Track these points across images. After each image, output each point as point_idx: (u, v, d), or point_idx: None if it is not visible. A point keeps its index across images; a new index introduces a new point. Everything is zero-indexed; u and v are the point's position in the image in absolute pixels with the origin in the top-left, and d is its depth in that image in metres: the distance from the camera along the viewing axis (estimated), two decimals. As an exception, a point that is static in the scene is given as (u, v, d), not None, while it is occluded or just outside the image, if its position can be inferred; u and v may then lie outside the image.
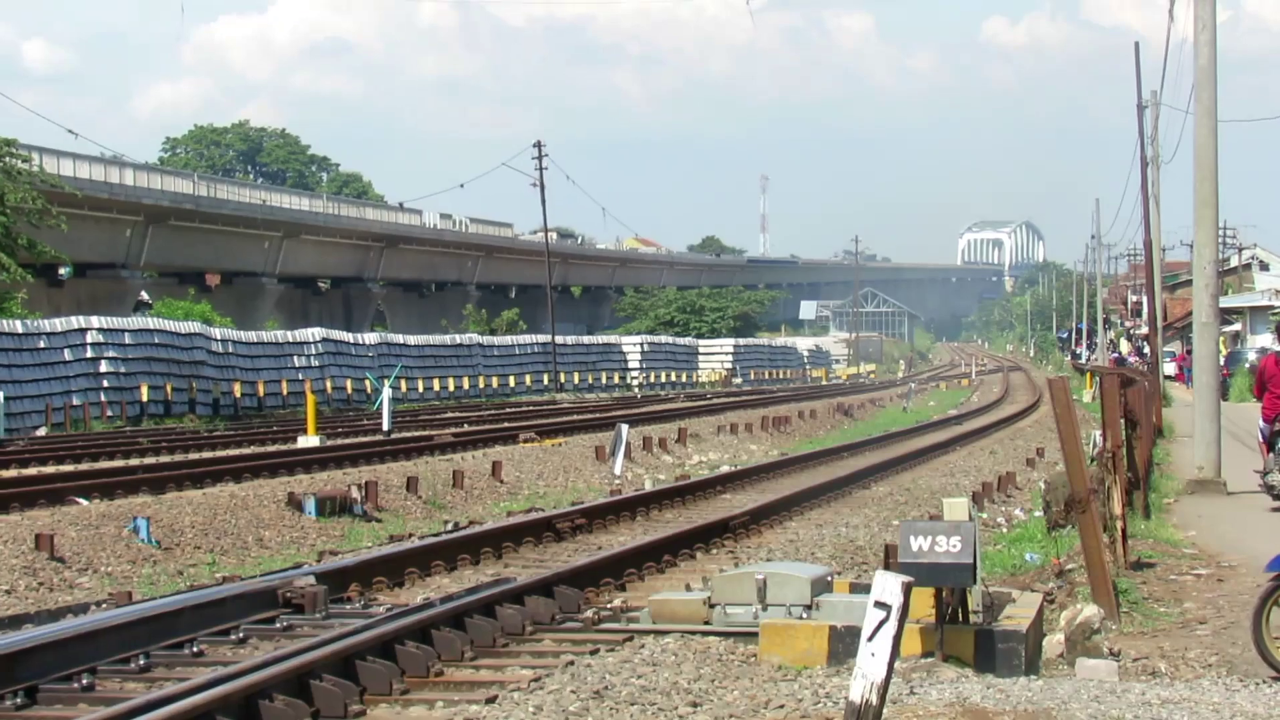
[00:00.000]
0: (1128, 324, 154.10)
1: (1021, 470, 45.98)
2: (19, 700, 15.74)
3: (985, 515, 31.99)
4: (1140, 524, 28.15)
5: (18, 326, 73.15)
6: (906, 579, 12.09)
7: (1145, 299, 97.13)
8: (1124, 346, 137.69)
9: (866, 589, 13.27)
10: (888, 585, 11.89)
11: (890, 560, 18.96)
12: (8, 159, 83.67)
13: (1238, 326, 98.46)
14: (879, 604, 11.76)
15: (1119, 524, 24.50)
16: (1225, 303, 73.67)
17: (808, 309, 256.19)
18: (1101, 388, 28.59)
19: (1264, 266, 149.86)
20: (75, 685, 16.40)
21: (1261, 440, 31.98)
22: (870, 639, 11.67)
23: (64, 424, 70.10)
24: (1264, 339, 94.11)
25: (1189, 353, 70.99)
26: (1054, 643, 17.67)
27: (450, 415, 78.04)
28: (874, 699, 11.47)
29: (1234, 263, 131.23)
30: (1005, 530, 30.17)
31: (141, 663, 17.56)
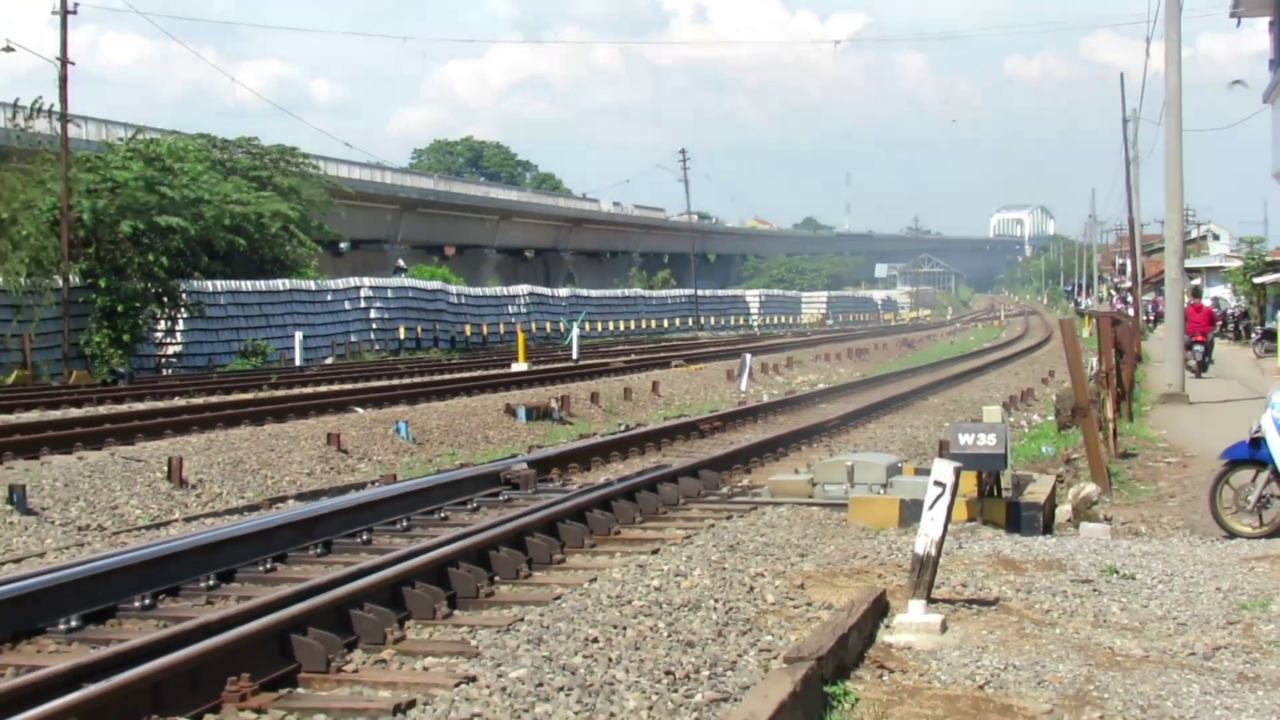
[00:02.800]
0: (1115, 280, 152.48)
1: (1038, 386, 45.63)
2: (318, 550, 15.89)
3: (1013, 419, 31.80)
4: (1126, 425, 28.02)
5: (311, 285, 73.75)
6: (956, 465, 12.08)
7: (1129, 261, 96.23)
8: (1113, 297, 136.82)
9: (927, 472, 13.27)
10: (942, 469, 11.88)
11: (944, 451, 18.88)
12: (302, 164, 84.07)
13: (1197, 281, 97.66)
14: (936, 483, 11.74)
15: (1111, 425, 24.46)
16: (1188, 264, 73.04)
17: (880, 270, 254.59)
18: (1097, 326, 28.49)
19: (1216, 237, 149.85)
20: (357, 540, 16.56)
21: (1186, 348, 38.98)
22: (930, 508, 11.65)
23: (345, 355, 70.68)
24: (1216, 290, 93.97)
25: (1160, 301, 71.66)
26: (1063, 511, 17.62)
27: (620, 348, 77.90)
28: (933, 551, 11.46)
29: (1194, 235, 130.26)
30: (1027, 430, 29.98)
31: (404, 524, 17.69)
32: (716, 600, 12.11)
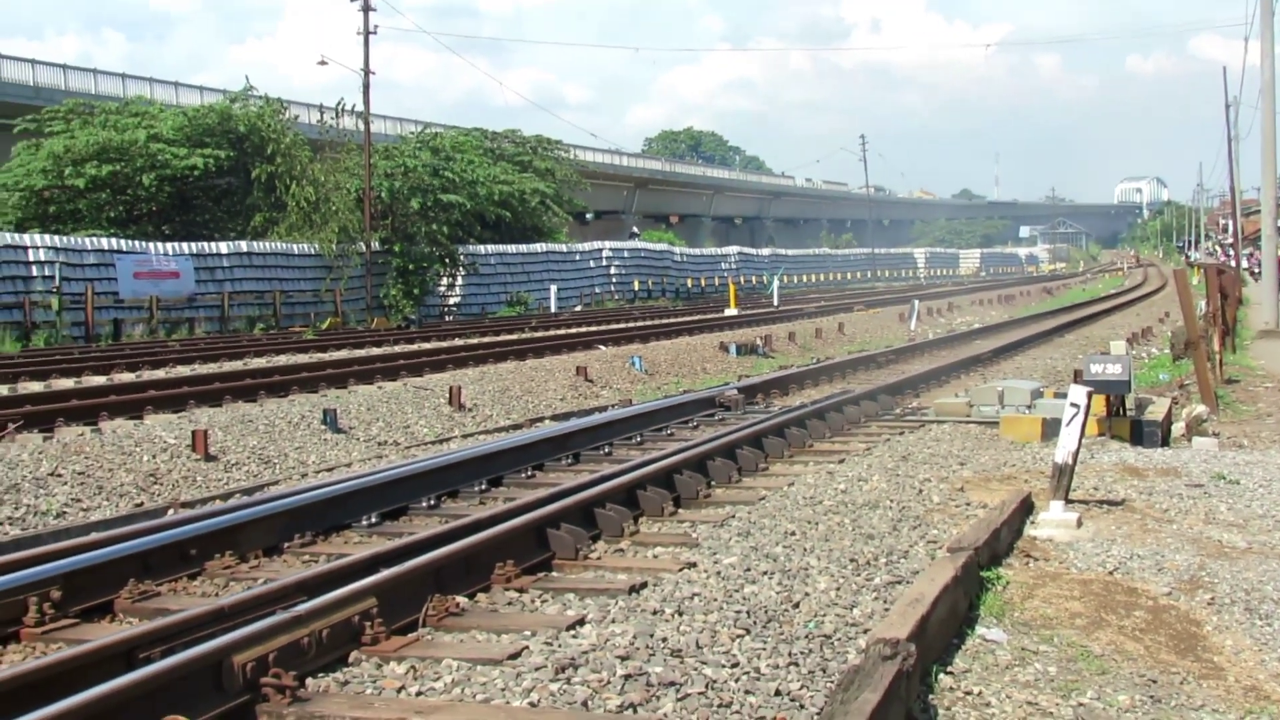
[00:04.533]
0: (1220, 237, 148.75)
1: (1155, 325, 44.68)
2: (569, 460, 15.93)
3: (1135, 351, 31.15)
4: (1230, 357, 27.33)
5: (563, 248, 74.33)
6: (1089, 389, 11.84)
7: (1231, 221, 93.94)
8: (1218, 251, 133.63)
9: (1064, 396, 13.03)
10: (1078, 393, 11.64)
11: (1078, 378, 18.49)
12: (555, 151, 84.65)
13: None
14: (1072, 404, 11.51)
15: (1217, 356, 23.85)
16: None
17: (1023, 231, 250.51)
18: (1205, 274, 27.80)
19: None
20: (600, 452, 16.57)
21: None
22: (1067, 425, 11.44)
23: (590, 303, 71.16)
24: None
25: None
26: (1178, 428, 17.18)
27: (812, 296, 77.61)
28: (1070, 460, 11.25)
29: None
30: (1147, 361, 29.35)
31: (638, 439, 17.70)
32: (891, 501, 11.99)
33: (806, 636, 7.69)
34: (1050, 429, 15.97)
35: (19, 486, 14.58)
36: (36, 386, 26.50)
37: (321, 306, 54.76)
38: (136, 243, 50.25)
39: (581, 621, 8.26)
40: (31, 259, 45.04)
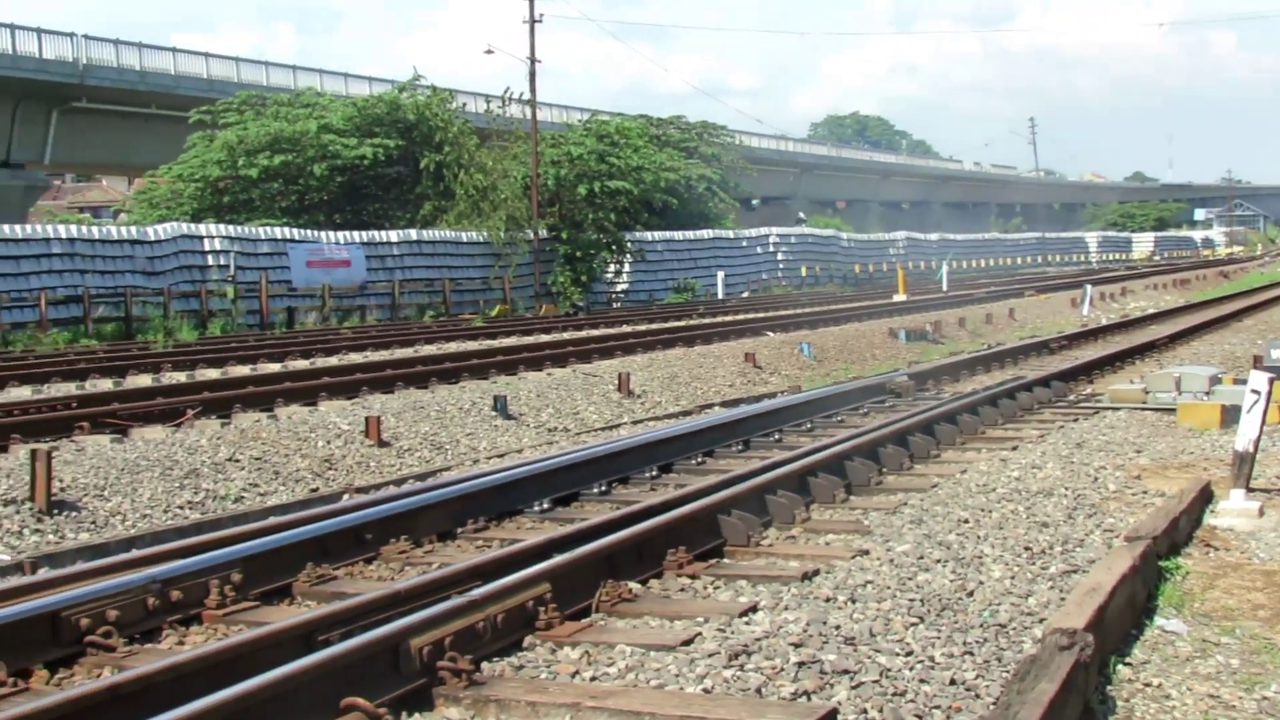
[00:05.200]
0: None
1: (1338, 309, 43.75)
2: (739, 447, 15.93)
3: (1316, 337, 30.49)
4: None
5: (730, 234, 74.45)
6: (1270, 375, 11.62)
7: None
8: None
9: (1244, 382, 12.78)
10: (1258, 379, 11.43)
11: (1258, 364, 18.17)
12: (721, 137, 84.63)
13: None
14: (1253, 390, 11.31)
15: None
16: None
17: (1198, 213, 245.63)
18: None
19: None
20: (770, 439, 16.55)
21: None
22: (1247, 412, 11.24)
23: (757, 290, 71.15)
24: None
25: None
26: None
27: (981, 282, 76.74)
28: (1250, 448, 11.05)
29: None
30: (1329, 346, 28.69)
31: (808, 426, 17.64)
32: (1066, 488, 11.85)
33: (981, 625, 7.64)
34: (1229, 416, 15.66)
35: (198, 471, 14.91)
36: (214, 373, 27.08)
37: (490, 294, 55.33)
38: (309, 232, 51.19)
39: (754, 608, 8.27)
40: (207, 248, 46.09)
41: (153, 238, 44.91)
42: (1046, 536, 9.90)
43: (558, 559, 8.65)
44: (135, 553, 10.19)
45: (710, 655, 7.20)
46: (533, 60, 57.91)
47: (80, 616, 7.92)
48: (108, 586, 8.33)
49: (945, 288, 61.96)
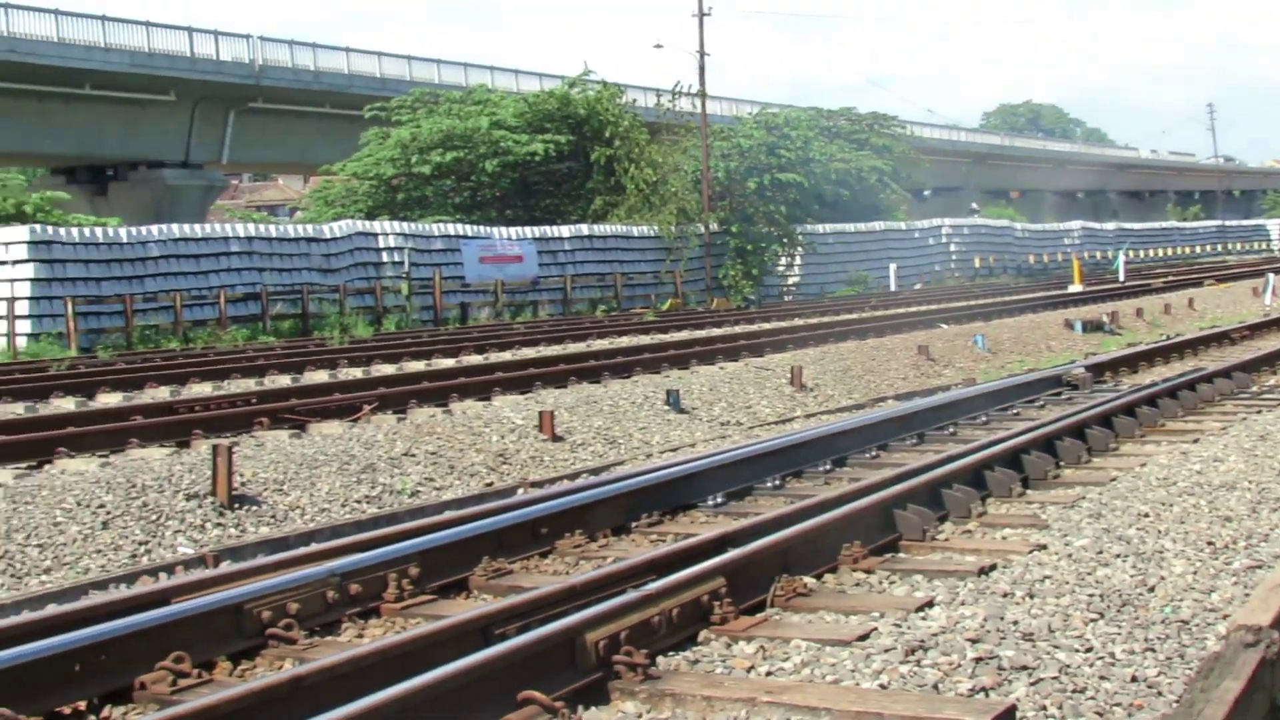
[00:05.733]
0: None
1: None
2: (913, 440, 15.81)
3: None
4: None
5: (902, 226, 74.27)
6: None
7: None
8: None
9: None
10: None
11: None
12: (891, 127, 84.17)
13: None
14: None
15: None
16: None
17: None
18: None
19: None
20: (945, 432, 16.41)
21: None
22: None
23: (930, 281, 70.67)
24: None
25: None
26: None
27: (1159, 271, 75.45)
28: None
29: None
30: None
31: (983, 419, 17.48)
32: (1249, 482, 11.62)
33: (1163, 621, 7.53)
34: None
35: (375, 466, 15.14)
36: (389, 369, 27.48)
37: (661, 288, 55.54)
38: (481, 228, 51.72)
39: (930, 603, 8.23)
40: (381, 245, 46.79)
41: (328, 235, 45.72)
42: (1229, 531, 9.72)
43: (732, 553, 8.67)
44: (314, 546, 10.40)
45: (886, 651, 7.17)
46: (701, 54, 58.06)
47: (262, 609, 8.09)
48: (289, 580, 8.50)
49: (1122, 278, 60.97)
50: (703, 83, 58.67)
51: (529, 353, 30.61)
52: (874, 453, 14.94)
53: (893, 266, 66.55)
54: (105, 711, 7.07)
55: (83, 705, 7.08)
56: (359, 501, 14.05)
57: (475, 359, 29.27)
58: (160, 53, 61.48)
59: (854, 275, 65.61)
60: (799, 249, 63.45)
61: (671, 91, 62.15)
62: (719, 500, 12.23)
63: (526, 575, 9.79)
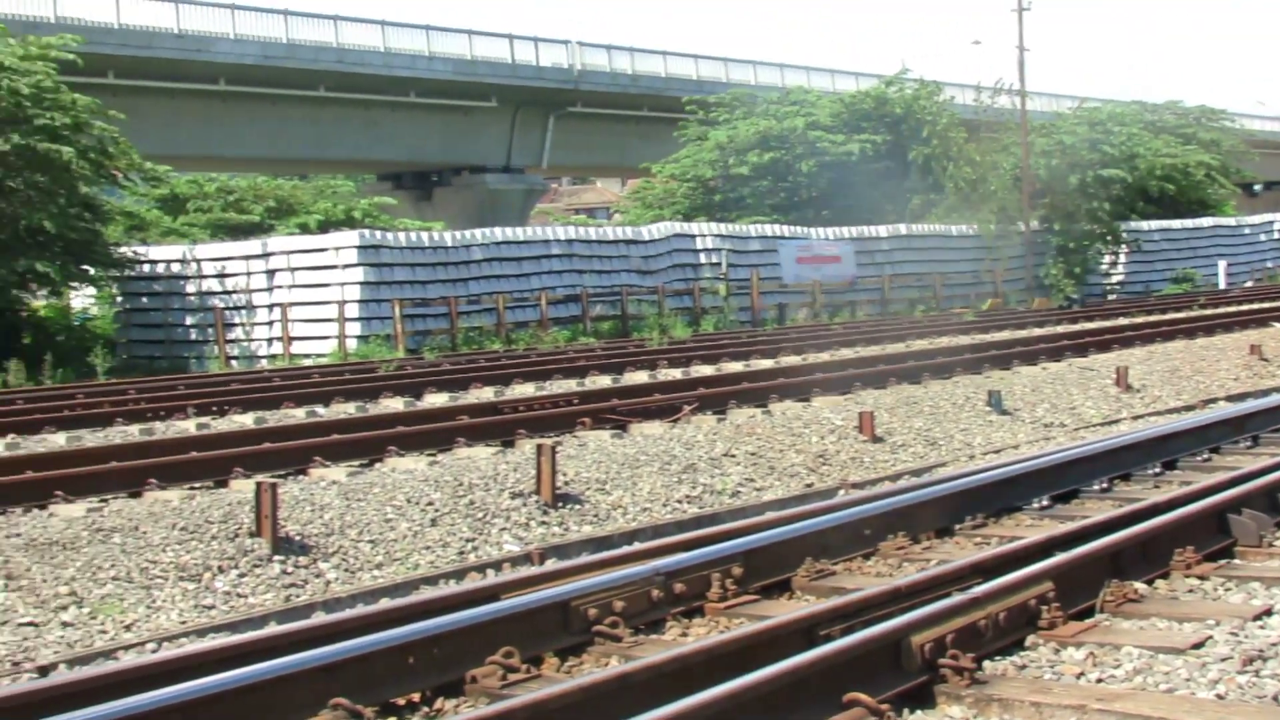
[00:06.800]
0: None
1: None
2: (1247, 444, 15.30)
3: None
4: None
5: (1231, 221, 71.87)
6: None
7: None
8: None
9: None
10: None
11: None
12: (1220, 120, 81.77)
13: None
14: None
15: None
16: None
17: None
18: None
19: None
20: (1242, 446, 15.86)
21: None
22: None
23: (1262, 278, 67.92)
24: None
25: None
26: None
27: None
28: None
29: None
30: None
31: None
32: None
33: None
34: None
35: (695, 466, 15.27)
36: (707, 370, 27.69)
37: (980, 288, 54.89)
38: (798, 228, 51.78)
39: (1269, 611, 7.96)
40: (699, 247, 47.16)
41: (646, 237, 46.28)
42: None
43: (1060, 557, 8.51)
44: (638, 546, 10.54)
45: (1223, 660, 6.97)
46: (1021, 49, 57.21)
47: (589, 607, 8.21)
48: (614, 578, 8.61)
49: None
50: (1022, 78, 57.89)
51: (847, 353, 30.54)
52: (1206, 456, 14.50)
53: (1222, 263, 64.54)
54: (438, 704, 7.26)
55: (416, 697, 7.29)
56: (680, 501, 14.19)
57: (793, 360, 29.31)
58: (482, 60, 62.88)
59: (1180, 273, 63.94)
60: (1123, 246, 62.18)
61: (991, 88, 61.47)
62: (1044, 503, 12.02)
63: (849, 577, 9.75)
